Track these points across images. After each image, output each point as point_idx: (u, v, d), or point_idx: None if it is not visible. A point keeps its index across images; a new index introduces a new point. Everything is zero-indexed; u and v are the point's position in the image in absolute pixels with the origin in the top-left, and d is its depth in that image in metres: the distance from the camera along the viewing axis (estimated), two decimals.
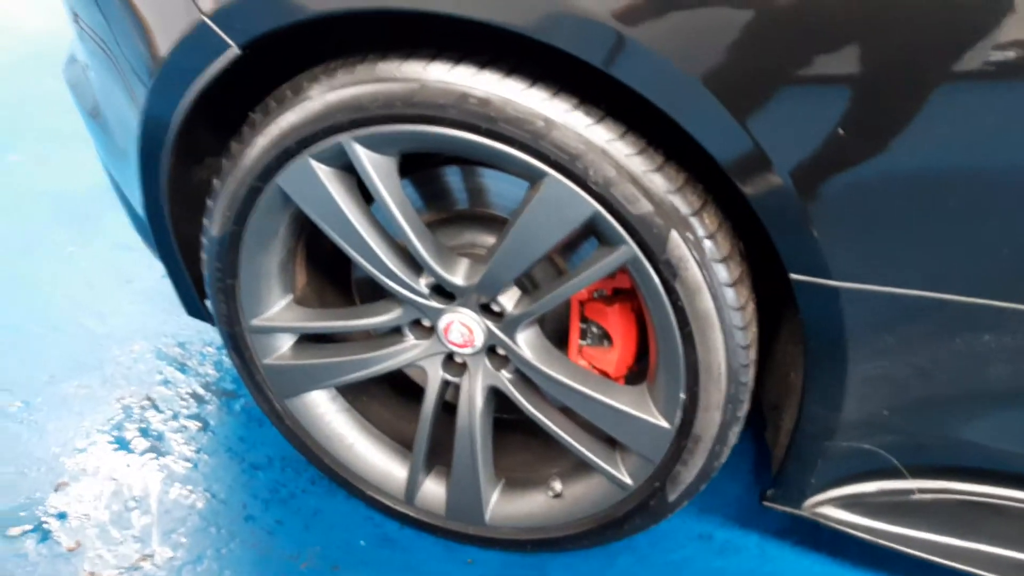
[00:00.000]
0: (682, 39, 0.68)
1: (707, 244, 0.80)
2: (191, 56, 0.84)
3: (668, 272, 0.81)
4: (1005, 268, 0.74)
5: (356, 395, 1.13)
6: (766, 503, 1.03)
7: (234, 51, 0.82)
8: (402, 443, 1.13)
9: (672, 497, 0.96)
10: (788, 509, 1.01)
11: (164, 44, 0.85)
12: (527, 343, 0.95)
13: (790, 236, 0.75)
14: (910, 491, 0.96)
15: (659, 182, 0.78)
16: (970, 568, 0.96)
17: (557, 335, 1.03)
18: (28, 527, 1.19)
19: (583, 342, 0.99)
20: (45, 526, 1.19)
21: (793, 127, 0.69)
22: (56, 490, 1.24)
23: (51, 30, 0.99)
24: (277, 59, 0.87)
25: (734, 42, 0.67)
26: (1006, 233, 0.72)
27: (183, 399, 1.42)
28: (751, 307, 0.86)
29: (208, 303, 1.07)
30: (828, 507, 0.99)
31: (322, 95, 0.84)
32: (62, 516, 1.20)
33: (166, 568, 1.13)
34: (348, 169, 0.89)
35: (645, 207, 0.78)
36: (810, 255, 0.76)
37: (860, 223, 0.74)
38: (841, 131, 0.68)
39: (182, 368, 1.49)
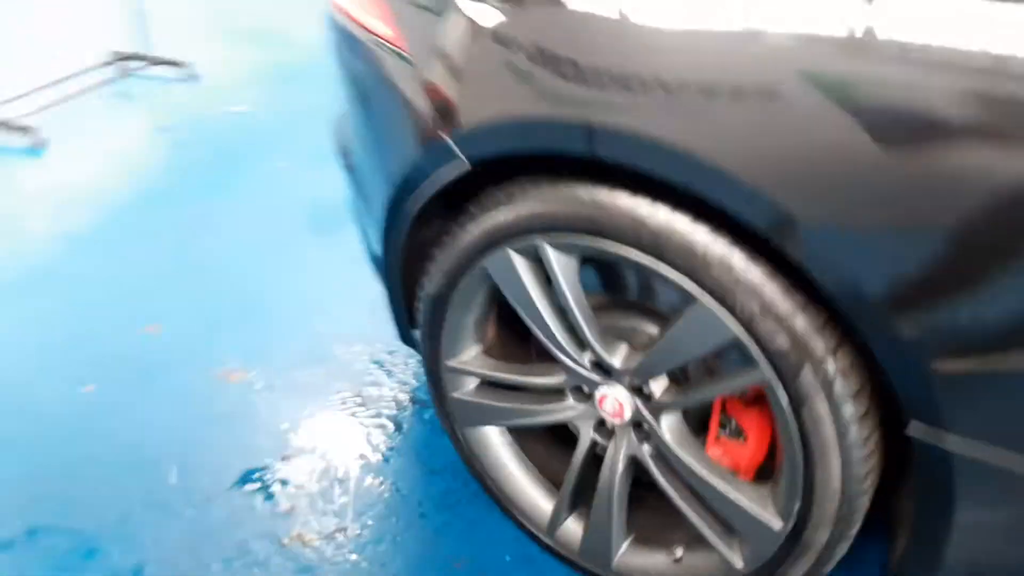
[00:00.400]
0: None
1: (837, 381, 0.91)
2: (435, 164, 1.08)
3: (797, 400, 0.93)
4: None
5: (522, 432, 1.34)
6: None
7: (466, 166, 1.05)
8: (553, 481, 1.32)
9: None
10: None
11: (417, 152, 1.10)
12: (668, 427, 1.10)
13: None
14: None
15: (800, 322, 0.90)
16: None
17: (701, 419, 1.17)
18: (258, 486, 1.51)
19: (721, 432, 1.13)
20: (271, 488, 1.51)
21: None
22: (282, 459, 1.57)
23: (322, 43, 1.23)
24: (497, 167, 1.09)
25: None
26: None
27: (386, 401, 1.71)
28: (874, 439, 0.95)
29: (416, 335, 1.32)
30: None
31: (527, 204, 1.04)
32: (284, 483, 1.52)
33: (353, 542, 1.41)
34: (538, 261, 1.09)
35: (783, 343, 0.91)
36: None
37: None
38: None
39: (389, 374, 1.78)
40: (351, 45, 1.25)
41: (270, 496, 1.49)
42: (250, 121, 3.14)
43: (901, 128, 0.76)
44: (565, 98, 0.94)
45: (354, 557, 1.38)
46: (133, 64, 3.47)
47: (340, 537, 1.41)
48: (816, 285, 0.86)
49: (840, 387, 0.91)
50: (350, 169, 1.47)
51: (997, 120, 0.72)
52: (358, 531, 1.43)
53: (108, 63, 3.43)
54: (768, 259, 0.92)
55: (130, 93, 3.35)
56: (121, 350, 1.86)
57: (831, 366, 0.91)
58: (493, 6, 1.00)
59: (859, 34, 0.76)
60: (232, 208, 2.47)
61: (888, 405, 0.95)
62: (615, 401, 1.13)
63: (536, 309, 1.11)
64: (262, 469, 1.54)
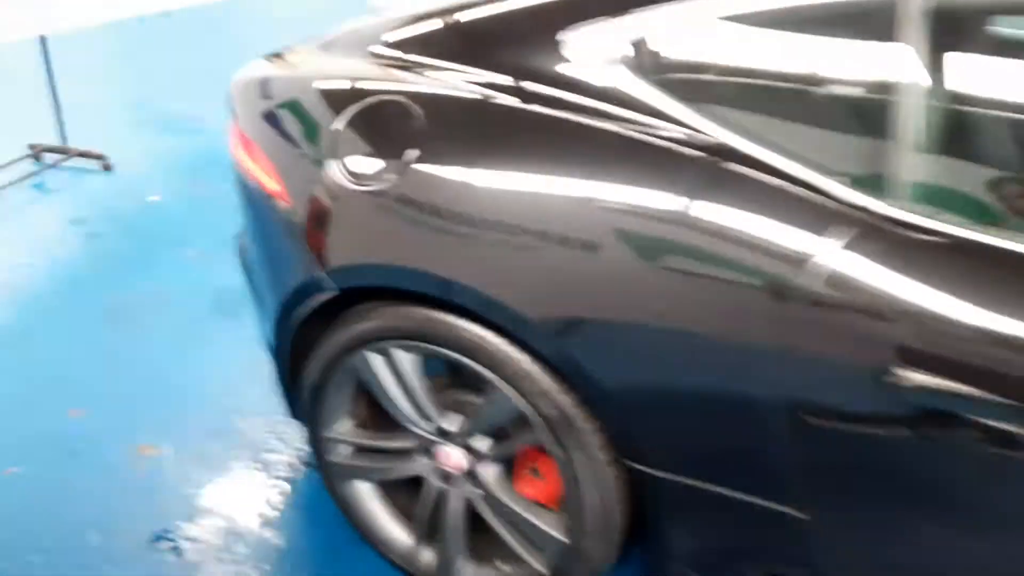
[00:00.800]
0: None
1: (592, 437, 1.31)
2: (313, 290, 1.45)
3: (566, 450, 1.32)
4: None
5: (386, 484, 1.69)
6: None
7: (336, 292, 1.43)
8: (407, 514, 1.67)
9: None
10: None
11: (299, 279, 1.47)
12: (491, 474, 1.48)
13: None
14: None
15: (564, 400, 1.30)
16: None
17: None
18: (170, 544, 1.80)
19: (529, 474, 1.51)
20: (180, 545, 1.80)
21: None
22: (190, 520, 1.86)
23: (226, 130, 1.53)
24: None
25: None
26: None
27: (282, 465, 2.03)
28: (622, 475, 1.34)
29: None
30: None
31: (381, 319, 1.42)
32: (193, 540, 1.81)
33: None
34: (390, 358, 1.46)
35: (554, 414, 1.30)
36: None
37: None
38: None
39: (284, 442, 2.10)
40: (247, 183, 1.62)
41: (179, 552, 1.78)
42: (163, 210, 3.43)
43: None
44: (410, 251, 1.33)
45: None
46: (50, 157, 3.72)
47: None
48: (569, 377, 1.27)
49: (593, 441, 1.31)
50: (248, 273, 1.81)
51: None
52: None
53: (25, 157, 3.67)
54: (543, 359, 1.31)
55: (47, 186, 3.60)
56: (47, 433, 2.11)
57: (587, 426, 1.31)
58: (350, 175, 1.39)
59: None
60: (145, 295, 2.76)
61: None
62: (451, 456, 1.50)
63: (390, 393, 1.48)
64: (173, 529, 1.83)
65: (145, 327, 2.58)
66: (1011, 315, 0.99)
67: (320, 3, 6.76)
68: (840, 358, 1.07)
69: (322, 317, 1.54)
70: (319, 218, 1.42)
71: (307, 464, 2.02)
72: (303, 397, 1.61)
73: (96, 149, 3.74)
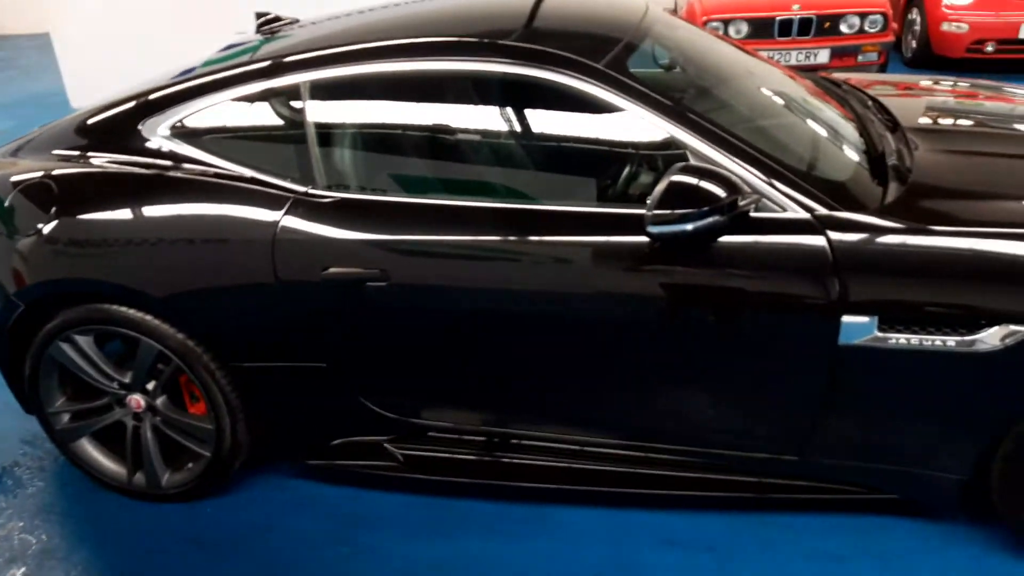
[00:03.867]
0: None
1: (213, 368, 2.19)
2: (11, 309, 2.23)
3: (200, 378, 2.20)
4: None
5: (99, 433, 2.46)
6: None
7: (22, 307, 2.22)
8: (121, 455, 2.46)
9: (230, 461, 2.33)
10: None
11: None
12: (161, 404, 2.32)
13: None
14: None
15: (180, 336, 2.18)
16: None
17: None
18: None
19: (189, 398, 2.37)
20: None
21: None
22: None
23: None
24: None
25: None
26: None
27: (32, 460, 2.72)
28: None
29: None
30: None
31: (61, 316, 2.23)
32: None
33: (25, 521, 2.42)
34: (74, 343, 2.27)
35: (177, 345, 2.18)
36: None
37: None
38: None
39: (32, 444, 2.79)
40: None
41: None
42: None
43: None
44: (67, 267, 2.16)
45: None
46: None
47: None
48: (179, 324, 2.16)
49: (204, 357, 2.19)
50: None
51: None
52: (23, 522, 2.44)
53: None
54: (163, 317, 2.19)
55: None
56: None
57: (197, 349, 2.19)
58: (21, 231, 2.20)
59: None
60: None
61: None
62: (134, 400, 2.33)
63: (81, 367, 2.29)
64: None
65: None
66: (380, 232, 2.03)
67: (29, 111, 7.23)
68: (301, 270, 2.05)
69: (26, 327, 2.31)
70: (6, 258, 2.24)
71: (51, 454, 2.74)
72: (26, 390, 2.37)
73: None
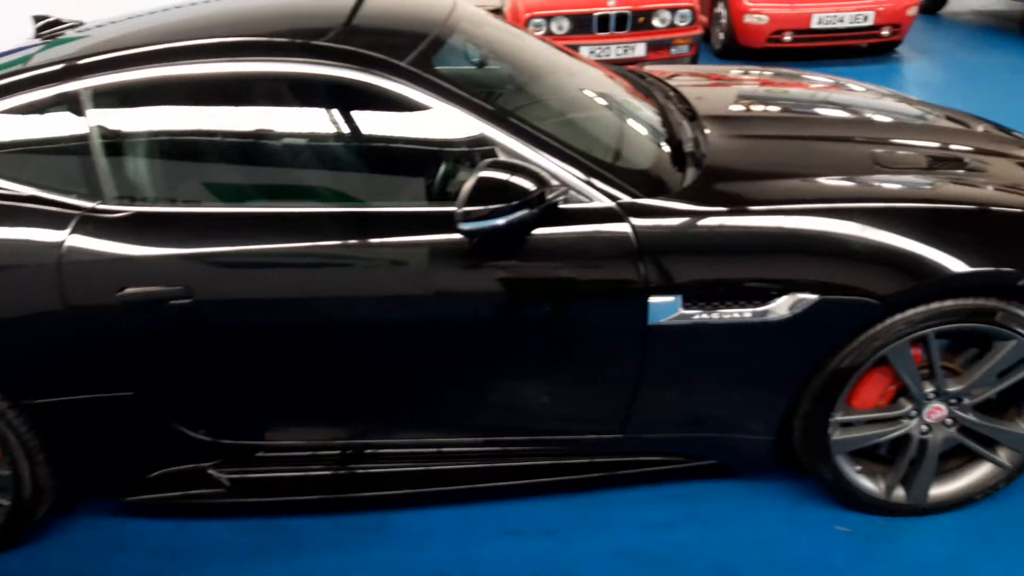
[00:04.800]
0: None
1: None
2: None
3: None
4: None
5: None
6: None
7: None
8: None
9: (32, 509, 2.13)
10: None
11: None
12: None
13: None
14: None
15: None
16: None
17: None
18: None
19: None
20: None
21: None
22: None
23: None
24: None
25: None
26: None
27: None
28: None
29: None
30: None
31: None
32: None
33: None
34: None
35: None
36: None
37: None
38: None
39: None
40: None
41: None
42: None
43: None
44: None
45: None
46: None
47: None
48: None
49: (2, 408, 1.99)
50: None
51: None
52: None
53: None
54: None
55: None
56: None
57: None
58: None
59: None
60: None
61: None
62: None
63: None
64: None
65: None
66: (181, 246, 1.92)
67: None
68: (93, 293, 1.91)
69: None
70: None
71: None
72: None
73: None
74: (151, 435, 2.12)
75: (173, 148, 2.13)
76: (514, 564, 2.12)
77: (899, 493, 2.16)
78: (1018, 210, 1.98)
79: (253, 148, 2.18)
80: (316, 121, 2.21)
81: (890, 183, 2.06)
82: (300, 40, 2.05)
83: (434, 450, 2.20)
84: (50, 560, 2.20)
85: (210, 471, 2.17)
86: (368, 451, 2.20)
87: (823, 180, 2.06)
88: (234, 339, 2.00)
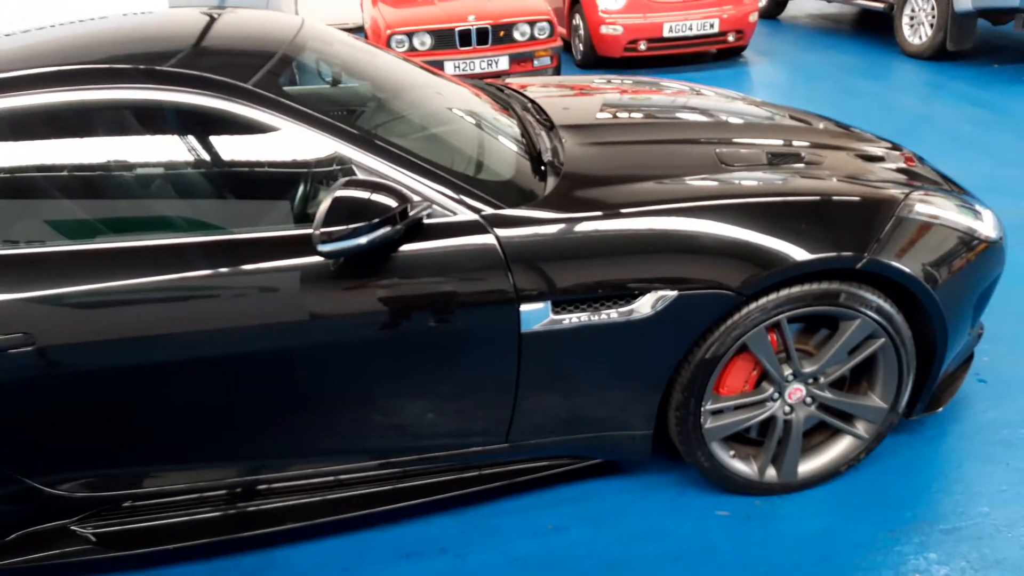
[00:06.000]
0: None
1: None
2: None
3: None
4: None
5: None
6: None
7: None
8: None
9: None
10: None
11: None
12: None
13: None
14: None
15: None
16: None
17: None
18: None
19: None
20: None
21: None
22: None
23: None
24: None
25: None
26: None
27: None
28: None
29: None
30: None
31: None
32: None
33: None
34: None
35: None
36: None
37: None
38: None
39: None
40: None
41: None
42: None
43: None
44: None
45: None
46: None
47: None
48: None
49: None
50: None
51: None
52: None
53: None
54: None
55: None
56: None
57: None
58: None
59: None
60: None
61: None
62: None
63: None
64: None
65: None
66: (18, 290, 1.79)
67: None
68: None
69: None
70: None
71: None
72: None
73: None
74: (3, 495, 1.95)
75: (6, 185, 1.99)
76: None
77: (771, 473, 2.28)
78: (855, 198, 2.14)
79: (100, 180, 2.06)
80: (166, 148, 2.11)
81: (737, 180, 2.18)
82: (143, 65, 1.96)
83: (332, 478, 2.15)
84: None
85: (73, 527, 2.02)
86: (261, 487, 2.12)
87: (673, 181, 2.16)
88: (87, 385, 1.88)
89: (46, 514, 2.00)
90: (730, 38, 7.48)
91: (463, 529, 2.26)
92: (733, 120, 2.73)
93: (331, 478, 2.15)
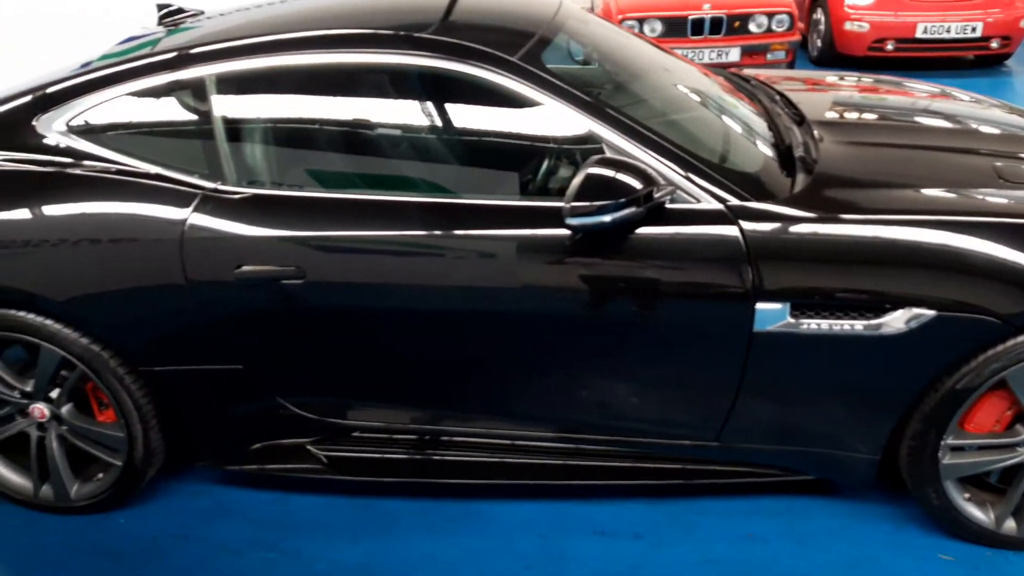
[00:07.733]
0: None
1: (107, 359, 2.09)
2: None
3: (96, 374, 2.10)
4: None
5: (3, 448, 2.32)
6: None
7: None
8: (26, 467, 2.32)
9: (143, 470, 2.23)
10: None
11: None
12: (67, 412, 2.20)
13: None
14: None
15: (84, 340, 2.07)
16: None
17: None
18: None
19: (98, 406, 2.25)
20: None
21: None
22: None
23: None
24: None
25: None
26: None
27: None
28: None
29: None
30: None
31: None
32: None
33: None
34: None
35: (81, 350, 2.07)
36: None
37: None
38: None
39: None
40: None
41: None
42: None
43: None
44: None
45: None
46: None
47: None
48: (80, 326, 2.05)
49: (110, 362, 2.09)
50: None
51: None
52: None
53: None
54: (65, 321, 2.07)
55: None
56: None
57: (103, 354, 2.08)
58: None
59: None
60: None
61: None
62: (37, 409, 2.20)
63: None
64: None
65: None
66: (295, 228, 1.99)
67: None
68: (211, 269, 1.98)
69: None
70: None
71: None
72: None
73: None
74: (256, 408, 2.19)
75: (287, 135, 2.20)
76: (603, 564, 2.11)
77: (1010, 525, 2.06)
78: None
79: (365, 137, 2.24)
80: (423, 113, 2.25)
81: (1015, 198, 1.97)
82: (411, 33, 2.09)
83: (507, 442, 2.21)
84: (155, 521, 2.30)
85: (309, 447, 2.23)
86: (443, 438, 2.22)
87: (943, 192, 1.99)
88: (335, 320, 2.05)
89: (288, 431, 2.22)
90: (993, 44, 6.74)
91: (658, 519, 2.24)
92: (996, 131, 2.48)
93: (511, 442, 2.21)
